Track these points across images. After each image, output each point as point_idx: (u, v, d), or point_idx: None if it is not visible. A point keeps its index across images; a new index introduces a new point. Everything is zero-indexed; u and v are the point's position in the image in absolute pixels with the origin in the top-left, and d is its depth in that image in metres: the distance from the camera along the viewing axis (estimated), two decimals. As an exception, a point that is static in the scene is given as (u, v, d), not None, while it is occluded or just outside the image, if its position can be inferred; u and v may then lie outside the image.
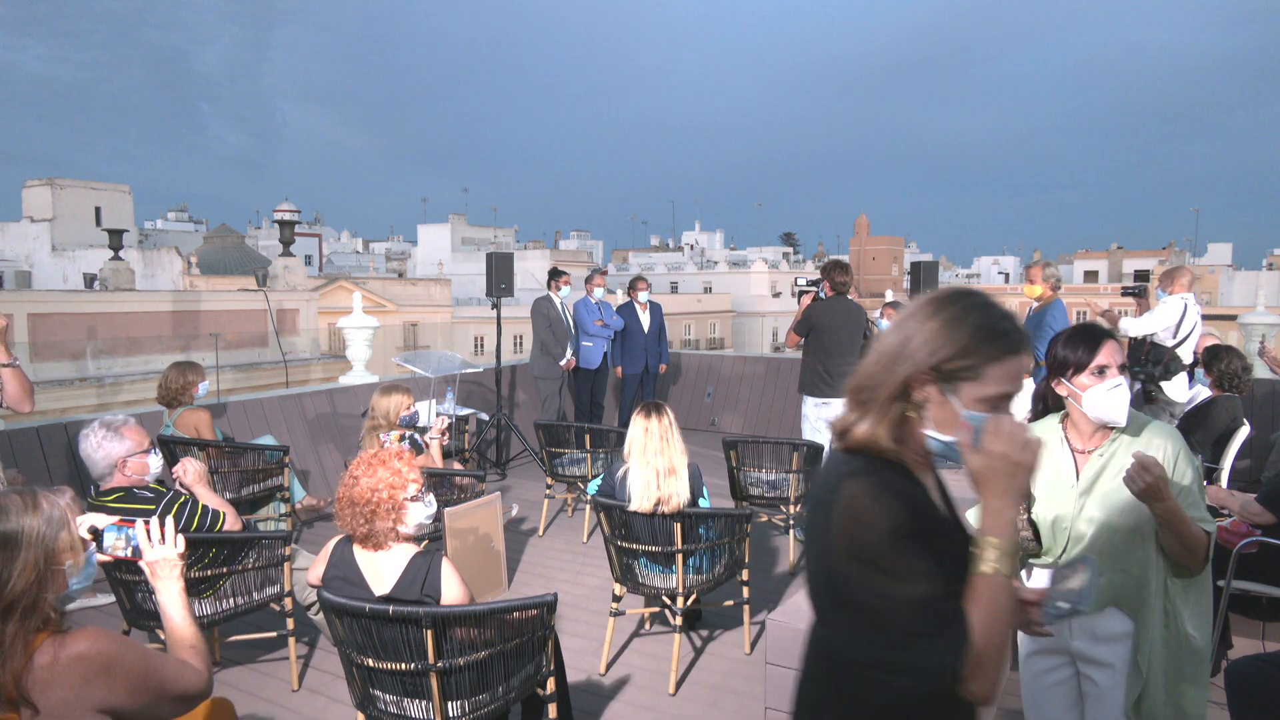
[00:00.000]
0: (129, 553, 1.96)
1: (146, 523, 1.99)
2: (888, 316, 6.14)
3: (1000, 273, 62.95)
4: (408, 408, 4.94)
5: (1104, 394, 2.11)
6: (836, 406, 5.56)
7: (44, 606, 1.68)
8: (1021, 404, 1.84)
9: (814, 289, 5.79)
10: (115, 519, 1.97)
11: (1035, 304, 6.37)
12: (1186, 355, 5.96)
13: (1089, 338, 2.16)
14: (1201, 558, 2.09)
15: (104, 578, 3.46)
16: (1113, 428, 2.18)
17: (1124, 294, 7.02)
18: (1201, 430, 4.86)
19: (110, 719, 1.70)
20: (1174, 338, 5.91)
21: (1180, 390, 5.93)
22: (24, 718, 1.63)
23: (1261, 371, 7.38)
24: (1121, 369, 2.16)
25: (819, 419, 5.61)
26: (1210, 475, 4.70)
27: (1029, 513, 2.20)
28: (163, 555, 1.99)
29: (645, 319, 8.18)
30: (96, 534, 1.91)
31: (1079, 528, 2.17)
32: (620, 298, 8.62)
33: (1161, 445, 2.14)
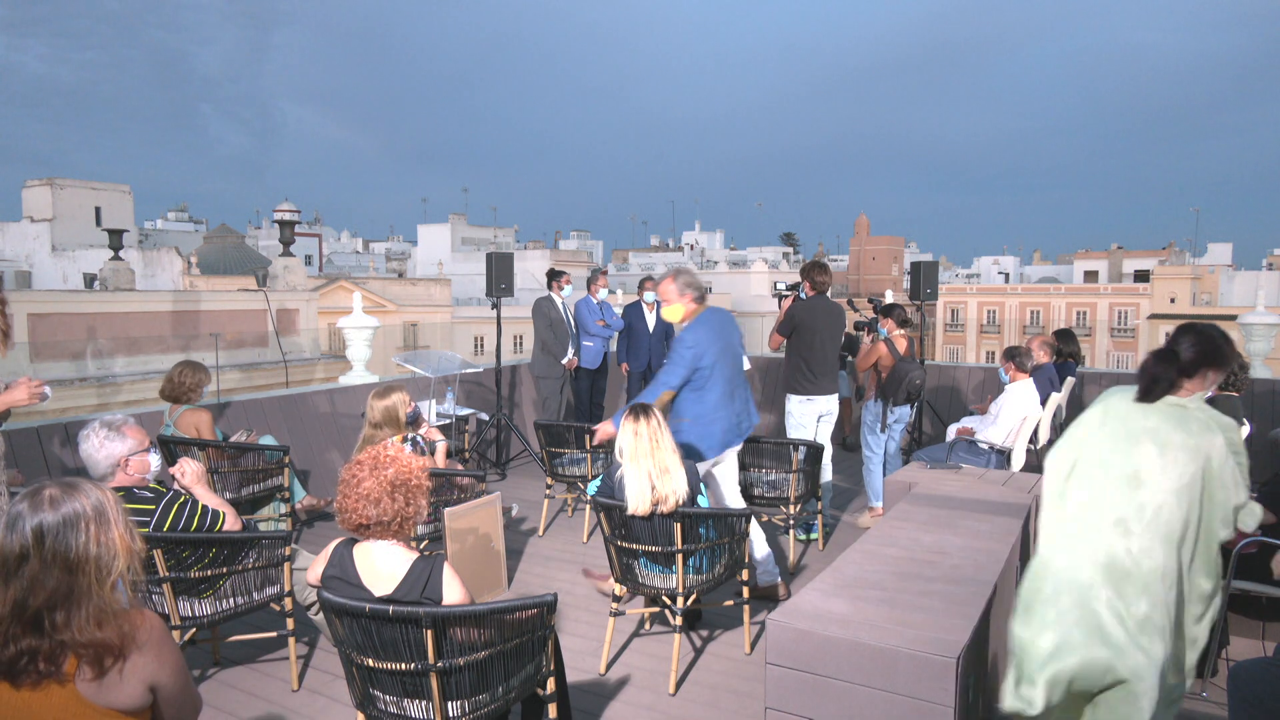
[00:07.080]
0: None
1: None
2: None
3: (1000, 273, 62.81)
4: (408, 404, 4.91)
5: None
6: (820, 403, 5.58)
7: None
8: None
9: (793, 292, 5.84)
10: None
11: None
12: None
13: None
14: None
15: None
16: None
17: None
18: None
19: (151, 696, 1.77)
20: None
21: None
22: (82, 675, 1.68)
23: (1261, 371, 7.39)
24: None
25: (804, 415, 5.61)
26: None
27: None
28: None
29: (650, 319, 8.22)
30: None
31: None
32: (621, 298, 8.64)
33: None
